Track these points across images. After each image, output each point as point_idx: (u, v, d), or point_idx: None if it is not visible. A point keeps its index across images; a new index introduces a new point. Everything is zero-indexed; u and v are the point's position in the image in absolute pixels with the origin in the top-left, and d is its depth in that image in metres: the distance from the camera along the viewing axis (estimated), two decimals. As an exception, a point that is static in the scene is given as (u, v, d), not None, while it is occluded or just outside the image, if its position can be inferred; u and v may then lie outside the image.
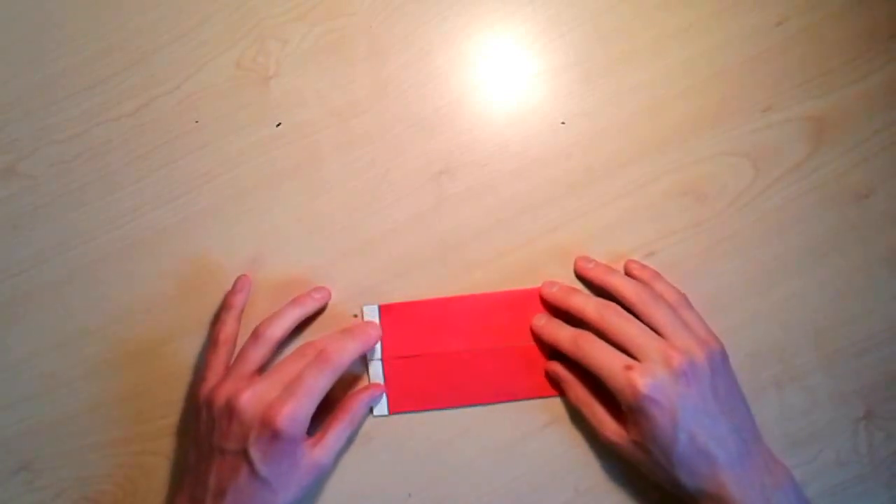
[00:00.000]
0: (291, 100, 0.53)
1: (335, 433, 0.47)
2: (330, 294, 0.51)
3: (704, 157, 0.52)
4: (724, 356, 0.47)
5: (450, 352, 0.51)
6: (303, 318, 0.50)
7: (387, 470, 0.50)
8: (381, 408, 0.51)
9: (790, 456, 0.49)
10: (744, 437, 0.45)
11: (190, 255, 0.52)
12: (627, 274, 0.51)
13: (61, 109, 0.53)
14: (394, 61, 0.54)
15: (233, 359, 0.48)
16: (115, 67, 0.54)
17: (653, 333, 0.46)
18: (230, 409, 0.44)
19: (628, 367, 0.44)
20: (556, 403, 0.51)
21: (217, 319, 0.50)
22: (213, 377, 0.47)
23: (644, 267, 0.51)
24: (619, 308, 0.47)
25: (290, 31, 0.54)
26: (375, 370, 0.51)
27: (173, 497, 0.48)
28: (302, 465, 0.45)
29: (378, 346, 0.51)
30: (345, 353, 0.47)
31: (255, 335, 0.48)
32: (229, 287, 0.51)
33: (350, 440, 0.50)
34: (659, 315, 0.47)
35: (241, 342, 0.49)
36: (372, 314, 0.51)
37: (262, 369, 0.47)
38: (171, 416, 0.51)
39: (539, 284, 0.51)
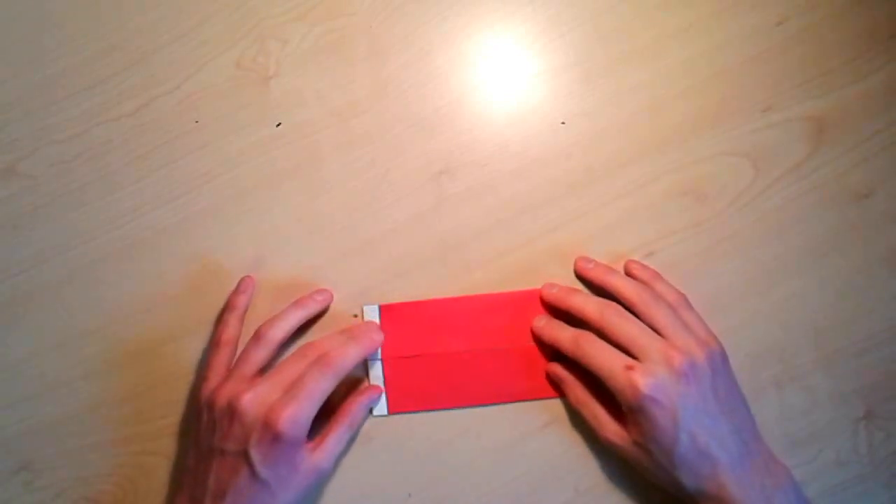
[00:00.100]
0: (291, 100, 0.53)
1: (335, 437, 0.47)
2: (332, 296, 0.51)
3: (704, 157, 0.52)
4: (724, 357, 0.47)
5: (450, 352, 0.51)
6: (305, 320, 0.50)
7: (387, 470, 0.50)
8: (381, 408, 0.51)
9: (790, 456, 0.49)
10: (744, 437, 0.45)
11: (190, 255, 0.52)
12: (627, 274, 0.51)
13: (61, 109, 0.53)
14: (394, 61, 0.54)
15: (234, 360, 0.48)
16: (115, 67, 0.54)
17: (654, 333, 0.46)
18: (231, 411, 0.44)
19: (629, 367, 0.44)
20: (556, 404, 0.51)
21: (220, 320, 0.50)
22: (214, 378, 0.47)
23: (644, 267, 0.51)
24: (619, 308, 0.47)
25: (290, 31, 0.54)
26: (375, 370, 0.51)
27: (173, 497, 0.48)
28: (302, 468, 0.45)
29: (378, 346, 0.51)
30: (347, 357, 0.47)
31: (257, 337, 0.48)
32: (229, 287, 0.51)
33: (350, 443, 0.50)
34: (659, 315, 0.47)
35: (242, 342, 0.49)
36: (372, 314, 0.51)
37: (263, 371, 0.47)
38: (171, 416, 0.51)
39: (539, 285, 0.51)
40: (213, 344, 0.49)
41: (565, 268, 0.52)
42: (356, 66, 0.54)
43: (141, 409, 0.51)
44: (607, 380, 0.45)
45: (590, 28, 0.53)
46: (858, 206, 0.52)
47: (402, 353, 0.51)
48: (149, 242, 0.52)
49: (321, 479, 0.47)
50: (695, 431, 0.43)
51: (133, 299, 0.52)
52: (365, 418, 0.50)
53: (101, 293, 0.52)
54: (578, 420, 0.50)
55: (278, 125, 0.53)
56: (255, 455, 0.44)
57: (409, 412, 0.51)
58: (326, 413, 0.47)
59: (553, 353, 0.50)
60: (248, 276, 0.51)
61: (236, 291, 0.50)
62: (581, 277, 0.51)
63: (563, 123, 0.53)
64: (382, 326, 0.51)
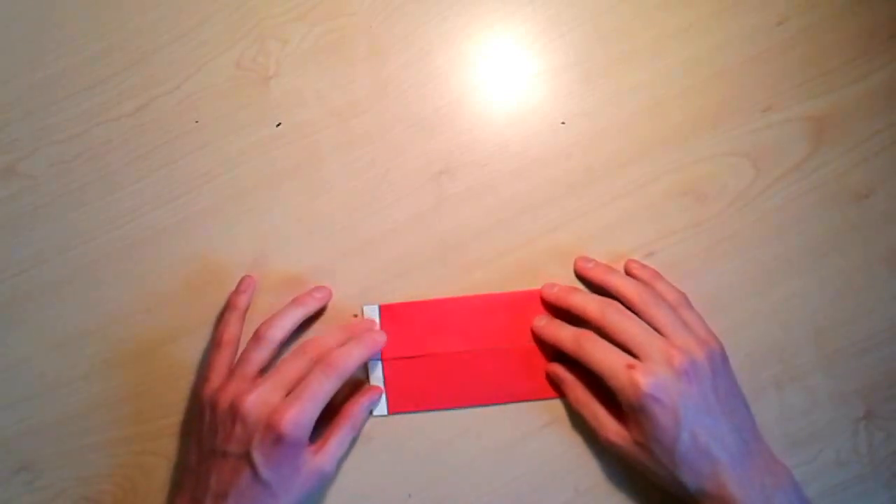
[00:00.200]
0: (291, 100, 0.53)
1: (337, 440, 0.47)
2: (331, 293, 0.51)
3: (704, 157, 0.52)
4: (724, 356, 0.47)
5: (450, 352, 0.51)
6: (304, 318, 0.50)
7: (387, 470, 0.50)
8: (381, 408, 0.51)
9: (790, 456, 0.49)
10: (744, 437, 0.45)
11: (190, 255, 0.52)
12: (628, 274, 0.51)
13: (61, 109, 0.53)
14: (394, 61, 0.54)
15: (236, 360, 0.48)
16: (115, 67, 0.54)
17: (654, 332, 0.46)
18: (234, 412, 0.44)
19: (630, 366, 0.44)
20: (556, 404, 0.51)
21: (221, 320, 0.50)
22: (216, 378, 0.47)
23: (644, 267, 0.51)
24: (620, 306, 0.47)
25: (290, 31, 0.54)
26: (375, 370, 0.51)
27: (174, 498, 0.48)
28: (304, 470, 0.45)
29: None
30: (350, 360, 0.47)
31: (257, 337, 0.48)
32: (229, 287, 0.51)
33: (351, 445, 0.50)
34: (659, 315, 0.47)
35: (243, 342, 0.49)
36: (372, 314, 0.51)
37: (264, 370, 0.47)
38: (171, 416, 0.51)
39: (539, 285, 0.51)
40: (215, 344, 0.49)
41: (565, 268, 0.52)
42: (356, 66, 0.54)
43: (141, 409, 0.51)
44: (608, 379, 0.45)
45: (590, 28, 0.53)
46: (858, 206, 0.52)
47: (402, 353, 0.51)
48: (149, 242, 0.52)
49: (323, 482, 0.47)
50: (696, 430, 0.43)
51: (133, 299, 0.52)
52: (366, 420, 0.50)
53: (101, 293, 0.52)
54: (578, 420, 0.50)
55: (278, 125, 0.53)
56: (258, 456, 0.44)
57: (409, 412, 0.51)
58: (327, 414, 0.47)
59: (553, 353, 0.50)
60: (249, 276, 0.51)
61: (237, 291, 0.50)
62: (581, 277, 0.51)
63: (563, 123, 0.53)
64: (382, 326, 0.51)
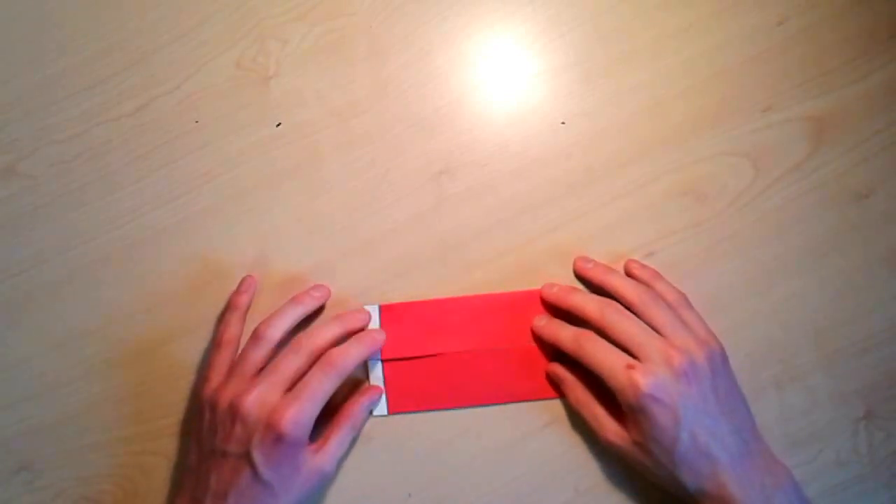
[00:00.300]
0: (291, 100, 0.53)
1: (337, 439, 0.47)
2: (329, 292, 0.51)
3: (704, 157, 0.52)
4: (724, 357, 0.47)
5: (450, 352, 0.51)
6: (303, 317, 0.50)
7: (387, 470, 0.50)
8: (381, 408, 0.51)
9: (790, 456, 0.49)
10: (744, 437, 0.45)
11: (190, 255, 0.52)
12: (627, 274, 0.51)
13: (61, 109, 0.53)
14: (394, 61, 0.54)
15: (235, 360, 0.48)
16: (115, 67, 0.54)
17: (654, 333, 0.46)
18: (234, 412, 0.44)
19: (630, 367, 0.44)
20: (556, 404, 0.51)
21: (221, 320, 0.50)
22: (216, 378, 0.47)
23: (644, 267, 0.51)
24: (619, 306, 0.47)
25: (290, 31, 0.54)
26: (375, 370, 0.51)
27: (174, 497, 0.48)
28: (304, 470, 0.45)
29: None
30: (349, 358, 0.47)
31: (256, 336, 0.48)
32: (229, 287, 0.51)
33: (351, 445, 0.50)
34: (659, 315, 0.47)
35: (243, 342, 0.49)
36: (372, 314, 0.51)
37: (263, 370, 0.47)
38: (171, 416, 0.51)
39: (539, 285, 0.51)
40: (215, 344, 0.49)
41: (565, 268, 0.52)
42: (356, 66, 0.54)
43: (141, 409, 0.51)
44: (608, 379, 0.45)
45: (590, 28, 0.53)
46: (858, 206, 0.52)
47: (402, 353, 0.51)
48: (149, 242, 0.52)
49: (324, 482, 0.47)
50: (695, 430, 0.43)
51: (133, 299, 0.52)
52: (366, 420, 0.50)
53: (101, 293, 0.52)
54: (578, 420, 0.50)
55: (278, 125, 0.53)
56: (258, 456, 0.44)
57: (409, 412, 0.51)
58: (327, 414, 0.47)
59: (553, 353, 0.50)
60: (250, 276, 0.51)
61: (238, 291, 0.50)
62: (580, 277, 0.51)
63: (563, 123, 0.53)
64: (382, 326, 0.51)
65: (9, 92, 0.54)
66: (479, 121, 0.53)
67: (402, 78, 0.53)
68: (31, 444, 0.51)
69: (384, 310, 0.51)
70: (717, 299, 0.51)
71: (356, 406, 0.49)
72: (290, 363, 0.46)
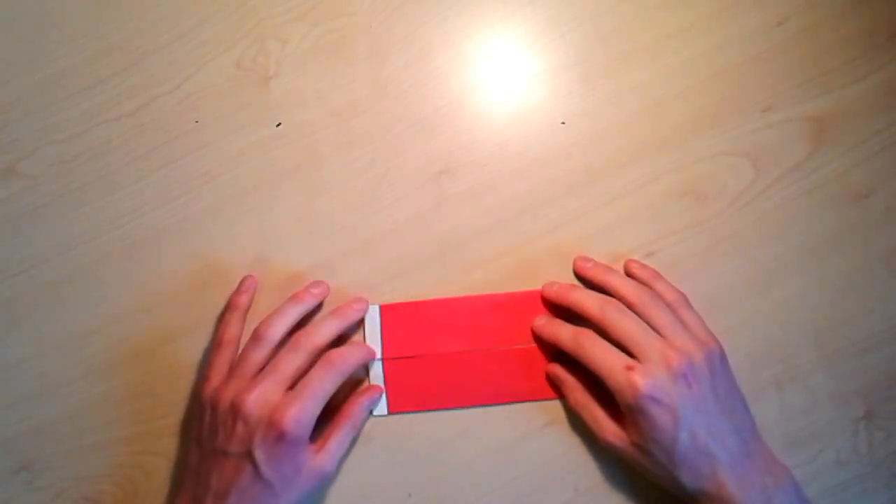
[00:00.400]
0: (291, 100, 0.53)
1: (338, 439, 0.47)
2: (328, 287, 0.51)
3: (704, 157, 0.52)
4: (723, 357, 0.47)
5: (450, 352, 0.51)
6: (303, 316, 0.50)
7: (387, 470, 0.50)
8: (381, 408, 0.51)
9: (790, 456, 0.49)
10: (744, 437, 0.45)
11: (190, 254, 0.52)
12: (627, 274, 0.51)
13: (61, 109, 0.53)
14: (394, 61, 0.54)
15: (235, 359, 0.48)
16: (115, 67, 0.54)
17: (653, 333, 0.46)
18: (235, 412, 0.44)
19: (629, 368, 0.44)
20: (556, 404, 0.51)
21: (222, 320, 0.50)
22: (216, 377, 0.47)
23: (644, 267, 0.51)
24: (620, 304, 0.47)
25: (290, 31, 0.54)
26: (375, 370, 0.51)
27: (174, 497, 0.48)
28: (305, 470, 0.45)
29: (379, 346, 0.51)
30: (351, 358, 0.48)
31: (256, 336, 0.48)
32: (229, 287, 0.51)
33: (352, 444, 0.50)
34: (658, 315, 0.46)
35: (243, 342, 0.49)
36: (372, 314, 0.51)
37: (263, 370, 0.47)
38: (171, 416, 0.51)
39: (539, 285, 0.51)
40: (216, 343, 0.49)
41: (565, 268, 0.52)
42: (356, 66, 0.54)
43: (141, 409, 0.51)
44: (607, 379, 0.45)
45: (590, 28, 0.53)
46: (858, 206, 0.52)
47: (402, 353, 0.51)
48: (149, 242, 0.52)
49: (324, 482, 0.47)
50: (695, 431, 0.43)
51: (133, 299, 0.52)
52: (366, 419, 0.50)
53: (101, 293, 0.52)
54: (578, 421, 0.50)
55: (278, 125, 0.53)
56: (259, 455, 0.44)
57: (409, 412, 0.51)
58: (327, 414, 0.47)
59: (553, 353, 0.50)
60: (250, 276, 0.51)
61: (238, 291, 0.50)
62: (580, 277, 0.51)
63: (563, 123, 0.53)
64: (382, 326, 0.51)
65: (9, 92, 0.54)
66: (479, 121, 0.53)
67: (402, 78, 0.53)
68: (31, 444, 0.51)
69: (384, 310, 0.51)
70: (717, 299, 0.51)
71: (356, 406, 0.49)
72: (291, 362, 0.46)
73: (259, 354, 0.47)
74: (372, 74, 0.53)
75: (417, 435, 0.51)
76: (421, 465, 0.50)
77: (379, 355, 0.51)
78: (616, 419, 0.47)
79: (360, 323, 0.51)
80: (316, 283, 0.51)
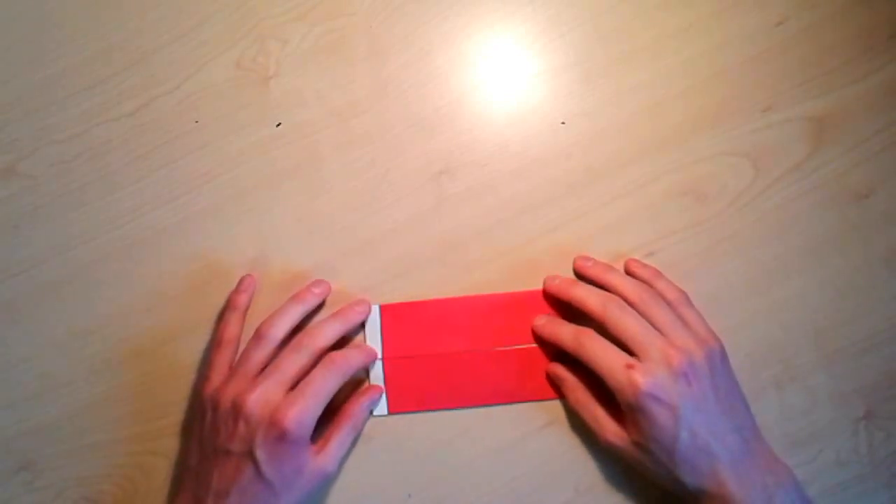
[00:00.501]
0: (291, 100, 0.53)
1: (338, 439, 0.47)
2: (329, 287, 0.51)
3: (704, 157, 0.52)
4: (724, 355, 0.47)
5: (450, 352, 0.51)
6: (304, 315, 0.50)
7: (387, 470, 0.50)
8: (381, 408, 0.51)
9: (790, 456, 0.49)
10: (745, 435, 0.45)
11: (190, 254, 0.52)
12: (628, 273, 0.51)
13: (61, 109, 0.53)
14: (394, 61, 0.54)
15: (236, 359, 0.48)
16: (115, 67, 0.54)
17: (654, 331, 0.46)
18: (236, 411, 0.44)
19: (629, 366, 0.44)
20: (556, 404, 0.51)
21: (221, 319, 0.50)
22: (217, 377, 0.47)
23: (644, 266, 0.51)
24: (622, 302, 0.47)
25: (290, 31, 0.54)
26: (375, 370, 0.51)
27: (174, 497, 0.48)
28: (306, 470, 0.45)
29: (379, 346, 0.51)
30: (353, 361, 0.48)
31: (258, 336, 0.48)
32: (229, 287, 0.51)
33: (353, 444, 0.50)
34: (659, 314, 0.46)
35: (243, 342, 0.49)
36: (372, 314, 0.51)
37: (265, 369, 0.47)
38: (171, 416, 0.51)
39: (539, 285, 0.51)
40: (216, 343, 0.49)
41: (565, 268, 0.52)
42: (356, 66, 0.54)
43: (141, 409, 0.51)
44: (607, 378, 0.45)
45: (590, 28, 0.53)
46: (858, 206, 0.52)
47: (402, 353, 0.51)
48: (149, 242, 0.52)
49: (325, 483, 0.48)
50: (695, 429, 0.43)
51: (133, 299, 0.52)
52: (367, 419, 0.50)
53: (101, 293, 0.52)
54: (578, 420, 0.50)
55: (278, 125, 0.53)
56: (261, 454, 0.44)
57: (409, 412, 0.51)
58: (327, 414, 0.47)
59: (554, 354, 0.50)
60: (249, 275, 0.51)
61: (237, 290, 0.50)
62: (580, 275, 0.51)
63: (563, 123, 0.53)
64: (382, 326, 0.51)
65: (9, 92, 0.54)
66: (479, 121, 0.53)
67: (402, 78, 0.53)
68: (31, 444, 0.51)
69: (384, 310, 0.51)
70: (717, 299, 0.51)
71: (357, 406, 0.49)
72: (293, 362, 0.46)
73: (261, 354, 0.47)
74: (372, 74, 0.53)
75: (417, 435, 0.51)
76: (421, 465, 0.50)
77: (379, 355, 0.51)
78: (617, 419, 0.47)
79: (362, 324, 0.51)
80: (317, 283, 0.51)
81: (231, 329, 0.49)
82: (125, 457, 0.51)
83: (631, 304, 0.47)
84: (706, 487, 0.44)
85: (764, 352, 0.51)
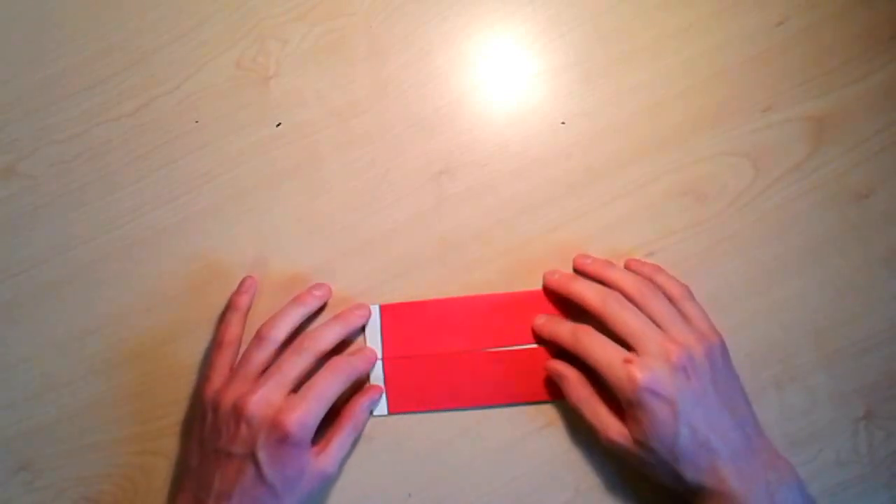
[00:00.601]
0: (291, 100, 0.53)
1: (339, 441, 0.47)
2: (330, 290, 0.51)
3: (704, 157, 0.52)
4: (724, 351, 0.47)
5: (450, 352, 0.51)
6: (305, 317, 0.50)
7: (387, 470, 0.50)
8: (381, 408, 0.51)
9: (790, 456, 0.48)
10: (746, 431, 0.45)
11: (190, 255, 0.52)
12: (628, 269, 0.50)
13: (61, 109, 0.53)
14: (394, 61, 0.54)
15: (237, 361, 0.48)
16: (115, 67, 0.54)
17: (653, 326, 0.45)
18: (238, 413, 0.44)
19: (627, 361, 0.44)
20: (557, 404, 0.51)
21: (222, 320, 0.50)
22: (217, 378, 0.47)
23: (644, 263, 0.51)
24: (621, 297, 0.47)
25: (290, 31, 0.54)
26: (376, 370, 0.51)
27: (174, 497, 0.48)
28: (307, 472, 0.45)
29: (379, 346, 0.51)
30: (357, 365, 0.48)
31: (259, 337, 0.48)
32: (229, 287, 0.51)
33: (353, 445, 0.50)
34: (658, 308, 0.46)
35: (244, 343, 0.49)
36: (372, 314, 0.51)
37: (266, 371, 0.47)
38: (171, 416, 0.51)
39: (539, 285, 0.51)
40: (216, 344, 0.49)
41: (565, 268, 0.52)
42: (356, 66, 0.54)
43: (141, 409, 0.51)
44: (605, 373, 0.45)
45: (590, 28, 0.53)
46: (858, 206, 0.52)
47: (402, 353, 0.51)
48: (149, 242, 0.52)
49: (326, 484, 0.48)
50: (695, 424, 0.43)
51: (133, 299, 0.52)
52: (367, 420, 0.50)
53: (101, 293, 0.52)
54: (578, 421, 0.49)
55: (278, 125, 0.53)
56: (263, 457, 0.44)
57: (409, 412, 0.51)
58: (328, 414, 0.47)
59: (554, 354, 0.50)
60: (250, 276, 0.51)
61: (238, 291, 0.50)
62: (581, 273, 0.51)
63: (563, 123, 0.53)
64: (382, 326, 0.51)
65: (9, 92, 0.54)
66: (479, 121, 0.53)
67: (402, 78, 0.53)
68: (31, 444, 0.51)
69: (384, 310, 0.51)
70: (717, 299, 0.51)
71: (357, 406, 0.49)
72: (294, 364, 0.46)
73: (262, 355, 0.47)
74: (372, 74, 0.53)
75: (417, 435, 0.51)
76: (421, 465, 0.50)
77: (379, 355, 0.51)
78: (619, 417, 0.46)
79: (362, 327, 0.51)
80: (318, 286, 0.51)
81: (232, 330, 0.49)
82: (125, 457, 0.51)
83: (631, 299, 0.47)
84: (706, 484, 0.43)
85: (764, 352, 0.51)
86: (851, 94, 0.52)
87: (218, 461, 0.45)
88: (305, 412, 0.44)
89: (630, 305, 0.46)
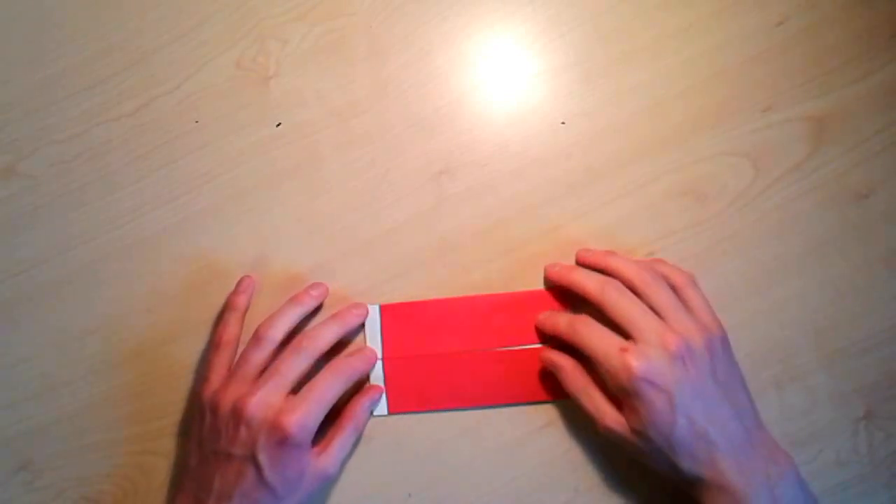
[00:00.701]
0: (291, 100, 0.53)
1: (340, 441, 0.47)
2: (327, 289, 0.51)
3: (704, 157, 0.52)
4: (725, 341, 0.46)
5: (450, 352, 0.51)
6: (302, 317, 0.50)
7: (387, 470, 0.50)
8: (381, 408, 0.51)
9: (790, 456, 0.49)
10: (746, 424, 0.44)
11: (190, 255, 0.52)
12: None
13: (61, 109, 0.53)
14: (394, 61, 0.54)
15: (235, 361, 0.48)
16: (115, 67, 0.54)
17: (652, 314, 0.45)
18: (237, 415, 0.44)
19: (623, 350, 0.43)
20: (557, 404, 0.51)
21: (220, 320, 0.50)
22: (216, 379, 0.47)
23: (645, 258, 0.50)
24: (620, 285, 0.46)
25: (290, 31, 0.54)
26: (376, 370, 0.51)
27: (173, 498, 0.48)
28: (308, 472, 0.45)
29: (379, 346, 0.51)
30: (357, 366, 0.48)
31: (257, 337, 0.48)
32: (229, 287, 0.51)
33: (354, 446, 0.50)
34: (659, 296, 0.46)
35: (242, 343, 0.49)
36: (372, 314, 0.51)
37: (264, 371, 0.47)
38: (170, 416, 0.51)
39: (539, 285, 0.51)
40: (214, 344, 0.49)
41: (565, 268, 0.52)
42: (356, 66, 0.54)
43: (141, 409, 0.51)
44: (601, 362, 0.44)
45: (590, 28, 0.53)
46: (858, 206, 0.52)
47: (403, 353, 0.51)
48: (149, 242, 0.52)
49: (327, 485, 0.47)
50: (693, 415, 0.42)
51: (133, 299, 0.52)
52: (368, 420, 0.50)
53: (102, 293, 0.52)
54: (579, 420, 0.49)
55: (278, 125, 0.53)
56: (263, 459, 0.44)
57: (410, 412, 0.51)
58: (328, 414, 0.47)
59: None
60: (248, 276, 0.51)
61: (236, 291, 0.50)
62: (582, 264, 0.51)
63: (563, 123, 0.53)
64: (382, 326, 0.51)
65: (9, 92, 0.54)
66: (479, 121, 0.53)
67: (402, 78, 0.53)
68: (31, 444, 0.51)
69: (384, 310, 0.51)
70: (717, 299, 0.50)
71: (358, 407, 0.49)
72: (293, 365, 0.46)
73: (260, 356, 0.47)
74: (372, 74, 0.53)
75: (417, 435, 0.51)
76: (421, 465, 0.50)
77: (379, 355, 0.51)
78: (616, 406, 0.45)
79: (361, 325, 0.51)
80: (315, 286, 0.51)
81: (230, 330, 0.49)
82: (125, 457, 0.51)
83: (632, 287, 0.46)
84: (704, 476, 0.43)
85: (764, 352, 0.51)
86: (851, 94, 0.52)
87: (217, 462, 0.45)
88: (305, 414, 0.44)
89: (629, 293, 0.46)
